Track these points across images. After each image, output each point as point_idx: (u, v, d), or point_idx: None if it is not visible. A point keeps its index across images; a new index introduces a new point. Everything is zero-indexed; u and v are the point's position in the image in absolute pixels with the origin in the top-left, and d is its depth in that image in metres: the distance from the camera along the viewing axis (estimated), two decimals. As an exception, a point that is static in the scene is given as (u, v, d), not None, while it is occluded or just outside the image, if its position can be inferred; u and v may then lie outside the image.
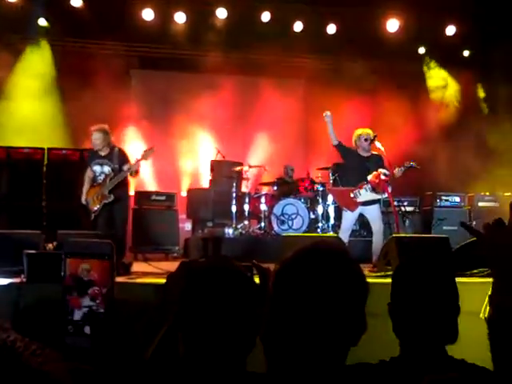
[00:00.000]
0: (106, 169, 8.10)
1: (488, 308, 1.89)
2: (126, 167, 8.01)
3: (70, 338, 1.42)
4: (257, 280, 2.14)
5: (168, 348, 1.92)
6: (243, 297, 1.81)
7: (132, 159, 8.14)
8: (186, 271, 1.95)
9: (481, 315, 4.86)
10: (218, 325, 1.76)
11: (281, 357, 1.46)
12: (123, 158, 8.14)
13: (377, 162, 8.34)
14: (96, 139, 8.07)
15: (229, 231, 10.42)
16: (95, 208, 8.10)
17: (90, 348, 1.38)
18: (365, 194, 8.24)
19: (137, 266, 7.66)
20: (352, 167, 8.43)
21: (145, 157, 8.05)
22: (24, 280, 5.33)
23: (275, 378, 1.44)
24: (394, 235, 7.58)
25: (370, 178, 8.18)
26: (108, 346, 1.33)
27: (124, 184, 8.19)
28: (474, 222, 11.57)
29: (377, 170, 8.22)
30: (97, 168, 8.14)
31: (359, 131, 8.40)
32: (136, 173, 8.18)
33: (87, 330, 1.39)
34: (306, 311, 1.43)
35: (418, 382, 1.43)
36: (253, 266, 2.16)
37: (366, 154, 8.36)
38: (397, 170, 8.10)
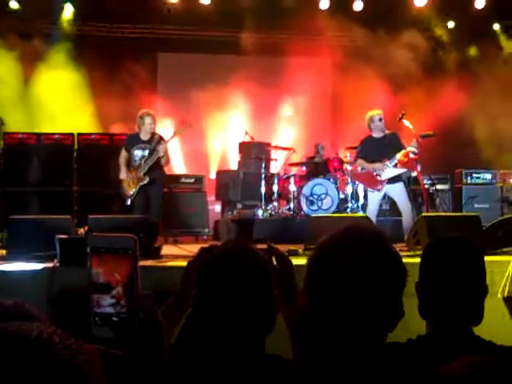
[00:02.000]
0: (147, 152, 8.21)
1: (508, 287, 1.87)
2: (160, 148, 8.11)
3: (96, 329, 1.43)
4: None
5: (190, 332, 1.94)
6: (260, 280, 1.82)
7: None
8: (205, 256, 1.96)
9: (499, 295, 4.82)
10: (235, 308, 1.77)
11: (317, 344, 1.45)
12: (162, 144, 8.23)
13: (393, 139, 8.34)
14: (149, 123, 8.22)
15: (258, 213, 10.42)
16: (131, 192, 8.23)
17: (115, 337, 1.39)
18: (388, 171, 8.23)
19: (166, 249, 7.71)
20: (370, 153, 8.42)
21: (179, 132, 8.39)
22: (57, 264, 5.42)
23: (310, 365, 1.43)
24: (423, 214, 7.54)
25: (398, 156, 8.15)
26: (133, 336, 1.34)
27: (159, 167, 8.31)
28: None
29: (394, 148, 8.22)
30: (138, 152, 8.26)
31: (371, 113, 8.45)
32: (167, 162, 8.40)
33: (114, 319, 1.40)
34: (344, 296, 1.42)
35: (447, 361, 1.41)
36: (269, 249, 2.15)
37: (380, 135, 8.38)
38: (411, 146, 8.10)
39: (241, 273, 1.79)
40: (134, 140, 8.41)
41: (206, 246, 2.05)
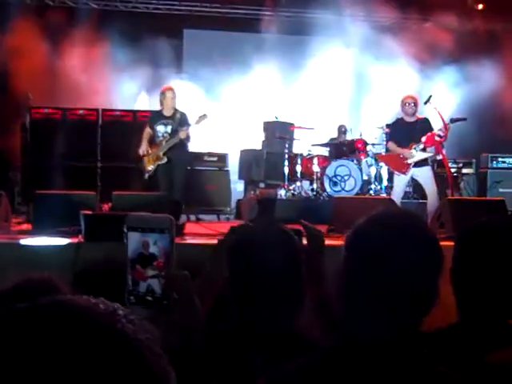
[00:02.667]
0: (169, 128, 8.29)
1: None
2: (181, 132, 8.17)
3: (130, 308, 1.43)
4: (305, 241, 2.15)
5: (221, 311, 1.96)
6: (291, 261, 1.83)
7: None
8: (237, 236, 1.96)
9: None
10: (266, 287, 1.78)
11: (353, 328, 1.45)
12: (184, 121, 8.33)
13: (424, 125, 8.31)
14: (172, 98, 8.30)
15: (281, 192, 10.41)
16: (149, 168, 8.35)
17: (149, 317, 1.39)
18: (415, 154, 8.20)
19: (189, 227, 7.74)
20: (400, 135, 8.42)
21: (198, 122, 8.28)
22: (81, 240, 5.46)
23: (345, 348, 1.43)
24: (447, 197, 7.49)
25: (424, 139, 8.12)
26: (167, 316, 1.35)
27: (182, 145, 8.36)
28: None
29: (424, 133, 8.18)
30: (161, 128, 8.34)
31: (405, 97, 8.44)
32: (188, 139, 8.42)
33: (148, 298, 1.40)
34: (381, 278, 1.40)
35: (479, 353, 1.40)
36: (302, 226, 2.14)
37: (411, 119, 8.37)
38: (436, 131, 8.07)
39: (274, 252, 1.80)
40: (156, 116, 8.53)
41: (236, 226, 2.05)
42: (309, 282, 1.90)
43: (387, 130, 9.22)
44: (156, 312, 1.41)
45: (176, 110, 8.38)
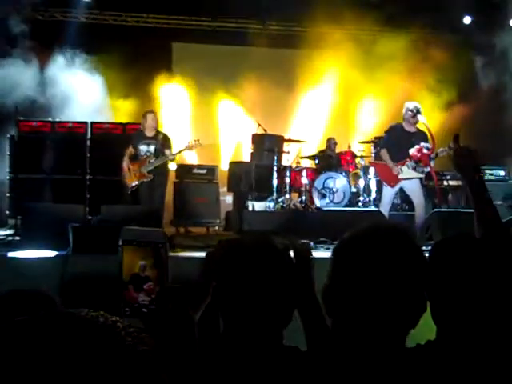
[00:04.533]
0: (152, 148, 8.76)
1: None
2: (168, 153, 8.68)
3: (126, 320, 1.44)
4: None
5: (209, 324, 1.96)
6: (279, 273, 1.84)
7: (175, 146, 8.94)
8: (224, 249, 1.97)
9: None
10: (255, 301, 1.79)
11: (339, 338, 1.45)
12: (167, 143, 8.86)
13: (422, 138, 8.13)
14: (152, 120, 8.87)
15: (269, 205, 10.43)
16: (133, 184, 8.72)
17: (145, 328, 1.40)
18: (406, 172, 8.10)
19: (178, 240, 7.73)
20: (395, 143, 8.27)
21: (191, 148, 8.95)
22: (70, 252, 5.45)
23: (332, 359, 1.43)
24: (435, 210, 7.52)
25: (412, 151, 8.06)
26: (163, 328, 1.35)
27: (164, 165, 8.88)
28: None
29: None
30: (143, 147, 8.79)
31: (407, 103, 8.24)
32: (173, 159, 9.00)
33: (144, 310, 1.43)
34: (368, 290, 1.41)
35: (456, 368, 1.41)
36: (289, 243, 2.14)
37: (411, 129, 8.19)
38: (441, 149, 7.95)
39: (261, 266, 1.81)
40: (139, 136, 8.97)
41: (224, 238, 2.06)
42: (298, 294, 1.91)
43: (385, 135, 9.03)
44: (152, 324, 1.42)
45: (158, 132, 8.93)
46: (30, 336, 0.72)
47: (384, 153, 8.40)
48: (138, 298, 1.36)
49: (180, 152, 8.96)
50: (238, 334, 1.81)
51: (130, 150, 8.88)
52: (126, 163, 8.79)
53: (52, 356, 0.70)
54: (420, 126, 8.23)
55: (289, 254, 1.94)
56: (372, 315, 1.41)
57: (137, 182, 8.68)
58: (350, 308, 1.44)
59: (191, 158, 12.95)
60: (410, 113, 8.09)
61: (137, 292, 1.35)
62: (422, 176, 8.26)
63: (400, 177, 8.13)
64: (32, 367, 0.69)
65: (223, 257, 1.89)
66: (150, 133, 8.87)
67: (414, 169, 8.09)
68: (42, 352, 0.70)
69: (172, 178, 10.19)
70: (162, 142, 8.78)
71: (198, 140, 8.94)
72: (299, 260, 1.99)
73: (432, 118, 8.98)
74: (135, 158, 8.82)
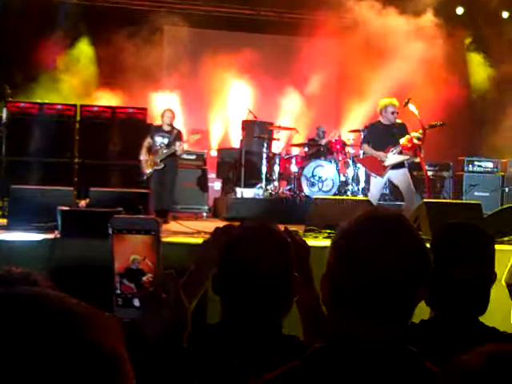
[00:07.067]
0: (166, 140, 9.55)
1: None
2: (177, 144, 9.48)
3: (119, 310, 1.42)
4: None
5: (204, 313, 1.95)
6: (282, 260, 1.84)
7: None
8: (224, 236, 1.95)
9: (502, 281, 4.85)
10: (258, 289, 1.79)
11: (345, 329, 1.44)
12: (179, 136, 9.62)
13: (400, 129, 8.30)
14: (170, 117, 9.65)
15: (258, 192, 10.42)
16: (147, 171, 9.47)
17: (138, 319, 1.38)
18: (392, 157, 8.22)
19: (166, 225, 7.71)
20: (376, 136, 8.43)
21: (191, 140, 9.85)
22: (58, 236, 5.41)
23: (332, 350, 1.42)
24: (424, 200, 7.54)
25: (402, 141, 8.12)
26: (155, 317, 1.33)
27: (175, 155, 9.63)
28: (507, 189, 11.44)
29: (401, 137, 8.17)
30: (159, 139, 9.57)
31: (386, 102, 8.32)
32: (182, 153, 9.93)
33: (136, 302, 1.40)
34: (370, 280, 1.40)
35: (452, 348, 1.40)
36: (285, 232, 2.14)
37: (388, 123, 8.31)
38: (415, 133, 8.07)
39: (264, 253, 1.81)
40: (157, 129, 9.75)
41: (221, 225, 2.05)
42: (299, 284, 1.90)
43: (364, 131, 9.22)
44: (144, 313, 1.40)
45: (173, 127, 9.71)
46: None
47: (366, 147, 8.64)
48: (131, 289, 1.34)
49: (182, 145, 9.53)
50: (238, 321, 1.82)
51: (148, 140, 9.60)
52: (143, 156, 9.54)
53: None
54: (398, 120, 8.36)
55: (290, 242, 1.94)
56: (374, 304, 1.41)
57: (151, 170, 9.45)
58: (351, 297, 1.43)
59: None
60: (390, 114, 8.20)
61: (130, 283, 1.33)
62: (407, 157, 8.39)
63: (387, 163, 8.19)
64: None
65: (226, 244, 1.88)
66: (166, 127, 9.67)
67: (400, 153, 8.18)
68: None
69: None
70: (175, 136, 9.58)
71: (198, 133, 9.96)
72: (297, 249, 1.98)
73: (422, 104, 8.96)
74: (150, 148, 9.56)
